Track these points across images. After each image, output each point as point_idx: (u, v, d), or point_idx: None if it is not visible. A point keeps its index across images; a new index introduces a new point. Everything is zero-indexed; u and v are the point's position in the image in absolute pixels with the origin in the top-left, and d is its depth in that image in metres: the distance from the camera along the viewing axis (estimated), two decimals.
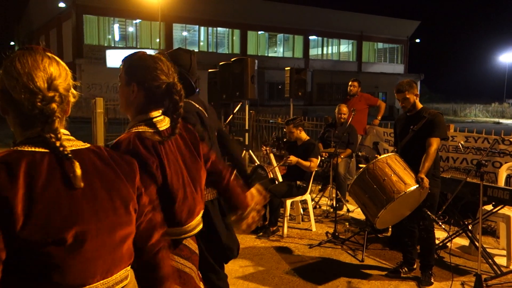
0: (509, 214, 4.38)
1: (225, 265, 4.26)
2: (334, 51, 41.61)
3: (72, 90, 1.32)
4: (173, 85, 1.77)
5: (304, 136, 5.46)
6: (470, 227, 4.52)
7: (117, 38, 32.19)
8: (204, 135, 2.68)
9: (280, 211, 5.40)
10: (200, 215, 1.93)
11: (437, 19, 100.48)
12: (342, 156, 6.16)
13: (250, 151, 7.68)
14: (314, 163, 5.21)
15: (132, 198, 1.33)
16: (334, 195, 5.56)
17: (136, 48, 29.36)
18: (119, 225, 1.27)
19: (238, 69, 7.51)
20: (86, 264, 1.18)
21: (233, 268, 4.27)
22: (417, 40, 45.56)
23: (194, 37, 34.99)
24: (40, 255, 1.10)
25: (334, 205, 5.24)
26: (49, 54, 1.30)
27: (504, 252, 4.55)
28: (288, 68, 8.69)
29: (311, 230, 5.44)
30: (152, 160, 1.68)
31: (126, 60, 1.84)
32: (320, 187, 6.79)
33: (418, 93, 4.13)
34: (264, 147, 5.56)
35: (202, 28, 34.55)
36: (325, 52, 41.12)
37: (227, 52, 34.61)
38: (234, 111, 8.53)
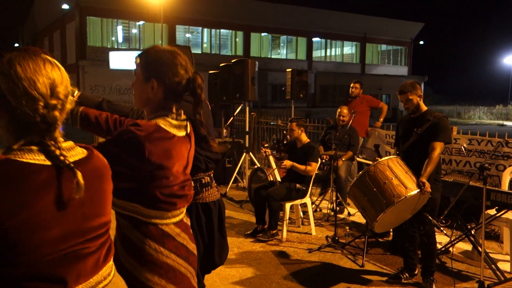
0: None
1: (222, 270, 4.21)
2: (337, 53, 41.50)
3: (70, 96, 1.26)
4: (195, 80, 1.79)
5: (304, 138, 5.38)
6: (473, 232, 4.41)
7: (120, 40, 32.22)
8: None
9: (280, 215, 5.31)
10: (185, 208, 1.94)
11: (441, 21, 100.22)
12: (343, 159, 6.07)
13: (251, 153, 7.61)
14: (312, 167, 5.12)
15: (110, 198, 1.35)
16: (334, 199, 5.46)
17: (139, 50, 29.36)
18: (99, 230, 1.26)
19: (239, 71, 7.45)
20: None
21: (230, 273, 4.19)
22: (421, 42, 45.34)
23: (197, 38, 34.96)
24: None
25: (334, 208, 5.14)
26: (50, 58, 1.24)
27: (508, 258, 4.45)
28: (290, 69, 8.62)
29: (311, 234, 5.35)
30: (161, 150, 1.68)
31: (143, 55, 1.79)
32: (320, 190, 6.70)
33: (422, 94, 4.04)
34: (264, 149, 5.47)
35: (205, 30, 34.53)
36: (328, 54, 41.01)
37: (230, 54, 34.55)
38: (235, 113, 8.46)
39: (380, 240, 5.11)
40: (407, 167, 3.79)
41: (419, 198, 3.67)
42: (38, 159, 1.12)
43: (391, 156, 3.89)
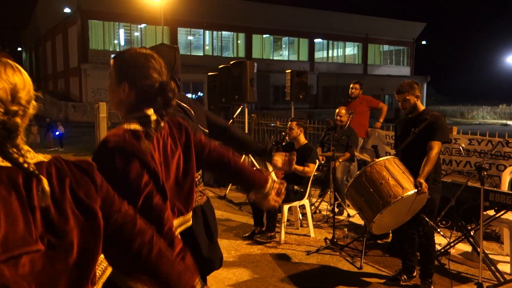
0: None
1: (218, 273, 4.17)
2: (339, 54, 41.45)
3: (33, 101, 1.22)
4: (167, 84, 1.76)
5: (302, 139, 5.35)
6: (472, 233, 4.36)
7: (122, 42, 32.30)
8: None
9: (278, 217, 5.28)
10: (180, 219, 1.87)
11: (443, 21, 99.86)
12: (340, 160, 6.02)
13: (250, 155, 7.56)
14: (309, 168, 5.08)
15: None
16: (333, 200, 5.41)
17: None
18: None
19: (237, 72, 7.43)
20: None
21: (227, 276, 4.16)
22: (423, 42, 45.24)
23: (199, 41, 35.02)
24: None
25: (333, 210, 5.10)
26: (11, 62, 1.19)
27: (508, 259, 4.40)
28: (289, 71, 8.59)
29: (310, 236, 5.31)
30: (141, 155, 1.62)
31: (117, 58, 1.79)
32: (319, 191, 6.66)
33: (420, 94, 4.00)
34: None
35: (207, 32, 34.56)
36: (330, 55, 40.98)
37: (232, 56, 34.57)
38: (235, 116, 8.42)
39: (379, 241, 5.06)
40: (405, 167, 3.74)
41: (417, 199, 3.63)
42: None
43: (388, 157, 3.86)
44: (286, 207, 5.19)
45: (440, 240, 4.54)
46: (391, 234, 4.99)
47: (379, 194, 3.56)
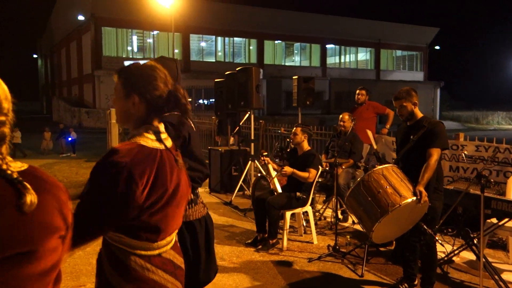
0: None
1: (218, 279, 4.17)
2: (351, 59, 41.34)
3: (11, 111, 1.25)
4: (176, 91, 1.77)
5: (305, 145, 5.33)
6: (475, 241, 4.29)
7: (135, 49, 32.65)
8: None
9: (281, 223, 5.26)
10: (175, 232, 1.86)
11: (457, 25, 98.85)
12: (343, 167, 5.99)
13: (256, 161, 7.57)
14: (311, 174, 5.06)
15: (56, 228, 1.25)
16: (336, 207, 5.38)
17: (154, 59, 29.65)
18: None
19: (243, 78, 7.45)
20: None
21: (227, 283, 4.16)
22: (437, 47, 44.84)
23: (211, 47, 35.24)
24: None
25: (335, 217, 5.07)
26: None
27: None
28: (296, 77, 8.58)
29: (313, 243, 5.28)
30: (147, 173, 1.59)
31: (122, 72, 1.78)
32: (324, 198, 6.63)
33: (417, 102, 3.97)
34: (262, 157, 5.43)
35: (219, 38, 34.77)
36: (342, 60, 40.90)
37: (244, 62, 34.72)
38: (242, 121, 8.43)
39: (382, 249, 5.01)
40: (404, 175, 3.71)
41: (417, 207, 3.59)
42: None
43: (386, 165, 3.82)
44: (288, 214, 5.17)
45: (444, 248, 4.47)
46: (394, 242, 4.94)
47: (377, 203, 3.53)
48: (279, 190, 5.29)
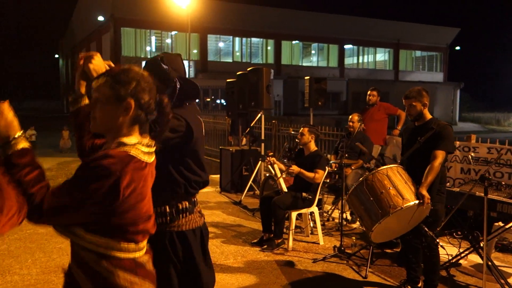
0: None
1: (222, 278, 4.20)
2: (370, 60, 40.99)
3: None
4: (162, 100, 1.73)
5: (312, 146, 5.33)
6: (482, 244, 4.23)
7: (153, 49, 32.96)
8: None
9: (286, 224, 5.27)
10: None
11: (478, 26, 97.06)
12: (352, 167, 5.96)
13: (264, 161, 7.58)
14: (318, 175, 5.05)
15: None
16: (346, 208, 5.36)
17: None
18: None
19: (254, 79, 7.47)
20: None
21: (230, 281, 4.18)
22: (457, 48, 44.16)
23: (228, 47, 35.34)
24: None
25: (340, 217, 5.05)
26: None
27: None
28: (308, 77, 8.57)
29: (319, 243, 5.27)
30: (132, 186, 1.57)
31: (111, 74, 1.66)
32: (333, 199, 6.60)
33: (427, 103, 3.93)
34: (268, 158, 5.44)
35: (236, 39, 34.86)
36: (360, 61, 40.57)
37: (261, 62, 34.72)
38: (254, 121, 8.43)
39: (388, 251, 4.98)
40: (408, 177, 3.69)
41: (419, 209, 3.56)
42: None
43: (391, 165, 3.79)
44: (294, 214, 5.17)
45: (450, 251, 4.42)
46: (400, 244, 4.90)
47: (378, 203, 3.52)
48: (285, 190, 5.29)
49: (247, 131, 8.54)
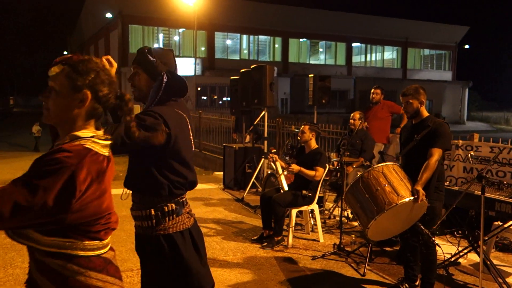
0: None
1: (220, 274, 4.23)
2: (377, 58, 40.81)
3: None
4: (124, 96, 1.66)
5: (313, 144, 5.34)
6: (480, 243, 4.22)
7: (161, 47, 32.94)
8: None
9: (286, 221, 5.29)
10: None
11: (487, 24, 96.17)
12: (354, 166, 5.96)
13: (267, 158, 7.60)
14: (319, 172, 5.07)
15: None
16: (342, 206, 5.37)
17: (178, 56, 29.91)
18: None
19: (257, 76, 7.49)
20: None
21: (228, 277, 4.21)
22: (466, 46, 43.80)
23: (236, 45, 35.37)
24: None
25: (340, 215, 5.06)
26: None
27: None
28: (312, 75, 8.58)
29: (319, 241, 5.29)
30: (89, 179, 1.49)
31: (69, 63, 1.56)
32: (335, 197, 6.61)
33: (424, 101, 3.94)
34: (271, 154, 5.46)
35: (244, 36, 34.87)
36: (368, 59, 40.41)
37: (269, 60, 34.71)
38: (258, 119, 8.45)
39: (387, 249, 4.98)
40: (404, 174, 3.69)
41: (416, 206, 3.56)
42: None
43: (387, 163, 3.80)
44: (294, 212, 5.19)
45: (449, 250, 4.41)
46: (400, 242, 4.90)
47: (374, 200, 3.52)
48: (286, 187, 5.31)
49: (251, 129, 8.56)
